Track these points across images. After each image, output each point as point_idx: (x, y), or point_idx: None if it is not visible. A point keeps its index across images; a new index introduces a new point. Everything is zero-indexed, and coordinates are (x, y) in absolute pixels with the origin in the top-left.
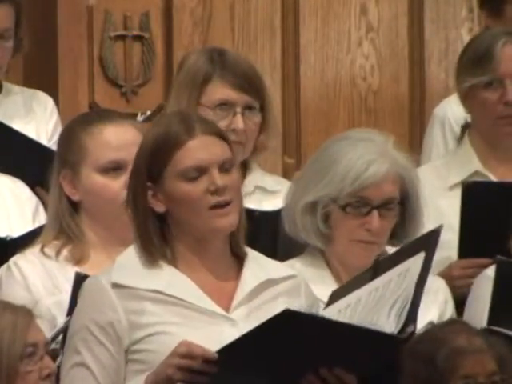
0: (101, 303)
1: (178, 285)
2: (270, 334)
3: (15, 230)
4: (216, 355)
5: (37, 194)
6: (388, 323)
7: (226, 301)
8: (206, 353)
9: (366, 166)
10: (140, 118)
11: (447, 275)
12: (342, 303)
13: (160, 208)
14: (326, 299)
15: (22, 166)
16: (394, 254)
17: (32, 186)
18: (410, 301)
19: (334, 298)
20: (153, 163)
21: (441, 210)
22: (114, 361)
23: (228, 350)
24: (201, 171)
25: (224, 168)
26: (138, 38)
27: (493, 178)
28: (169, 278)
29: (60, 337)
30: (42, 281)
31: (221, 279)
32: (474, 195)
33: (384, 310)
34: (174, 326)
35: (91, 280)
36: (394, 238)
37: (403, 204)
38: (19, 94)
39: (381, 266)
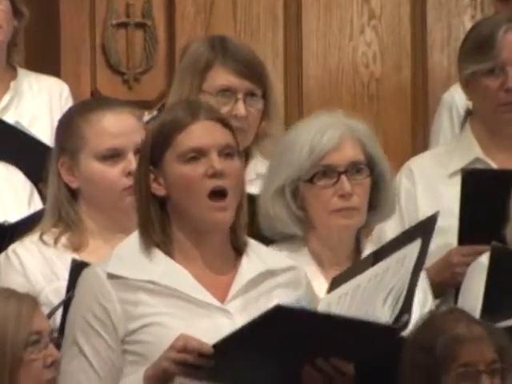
0: (97, 294)
1: (173, 276)
2: (263, 328)
3: (10, 216)
4: (211, 349)
5: (40, 191)
6: (383, 311)
7: (222, 292)
8: (202, 347)
9: (320, 136)
10: (146, 117)
11: (447, 262)
12: (341, 290)
13: (161, 192)
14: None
15: (24, 163)
16: (393, 241)
17: (34, 182)
18: (405, 289)
19: (335, 284)
20: (155, 146)
21: (441, 196)
22: (111, 351)
23: (223, 344)
24: (200, 154)
25: (224, 153)
26: (141, 25)
27: (493, 165)
28: (165, 269)
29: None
30: (40, 269)
31: (218, 271)
32: (474, 182)
33: (380, 298)
34: (168, 317)
35: (88, 270)
36: (372, 208)
37: (371, 169)
38: (34, 80)
39: (380, 252)
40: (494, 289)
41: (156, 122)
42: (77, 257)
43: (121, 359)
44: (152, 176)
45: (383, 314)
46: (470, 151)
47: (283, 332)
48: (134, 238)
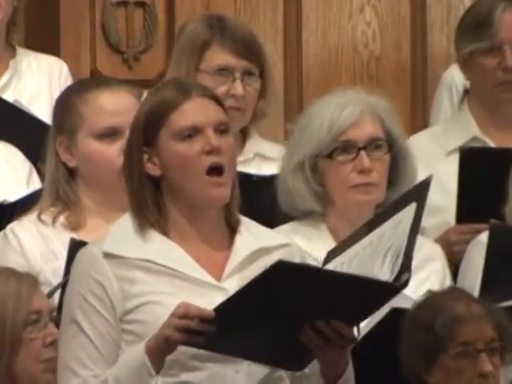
0: (94, 272)
1: (169, 254)
2: (264, 287)
3: (9, 195)
4: (213, 314)
5: (39, 170)
6: (382, 272)
7: (218, 270)
8: (203, 312)
9: (339, 111)
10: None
11: (445, 240)
12: (338, 260)
13: (156, 172)
14: (323, 257)
15: (23, 142)
16: (386, 208)
17: (34, 161)
18: (403, 250)
19: (331, 256)
20: (148, 126)
21: (439, 175)
22: (111, 328)
23: (224, 308)
24: (196, 131)
25: (219, 130)
26: (140, 4)
27: (491, 143)
28: (160, 248)
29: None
30: (38, 248)
31: (213, 249)
32: (472, 161)
33: (378, 260)
34: (164, 296)
35: (83, 250)
36: (392, 185)
37: (390, 146)
38: (33, 58)
39: (374, 221)
40: (492, 266)
41: (146, 103)
42: (75, 236)
43: (120, 336)
44: (146, 156)
45: (382, 274)
46: (467, 130)
47: (284, 290)
48: (129, 217)
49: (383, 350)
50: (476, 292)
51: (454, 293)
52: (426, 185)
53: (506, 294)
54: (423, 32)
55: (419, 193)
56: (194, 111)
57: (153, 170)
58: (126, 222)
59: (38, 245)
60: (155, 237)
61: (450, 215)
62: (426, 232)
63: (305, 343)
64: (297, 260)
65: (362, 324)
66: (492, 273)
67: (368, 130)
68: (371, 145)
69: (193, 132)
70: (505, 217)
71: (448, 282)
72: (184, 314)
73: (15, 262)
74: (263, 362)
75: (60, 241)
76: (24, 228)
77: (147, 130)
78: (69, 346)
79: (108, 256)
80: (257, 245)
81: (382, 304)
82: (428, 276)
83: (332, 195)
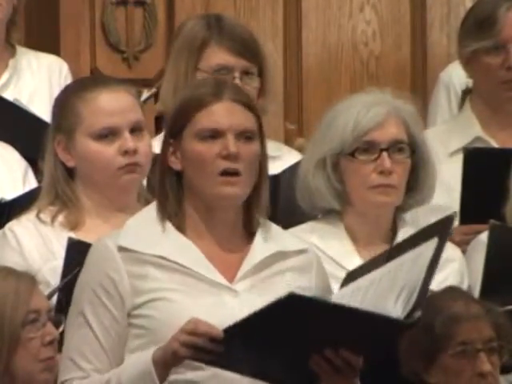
0: (106, 266)
1: (183, 252)
2: (275, 315)
3: (6, 193)
4: (222, 334)
5: (39, 168)
6: (395, 308)
7: (231, 272)
8: (212, 331)
9: (365, 112)
10: (145, 95)
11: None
12: (355, 284)
13: (176, 166)
14: (338, 257)
15: (23, 140)
16: (409, 238)
17: (34, 159)
18: (419, 286)
19: (350, 278)
20: (176, 120)
21: (442, 175)
22: (117, 324)
23: (233, 329)
24: (217, 134)
25: (243, 137)
26: (140, 3)
27: (494, 143)
28: (175, 245)
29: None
30: (37, 247)
31: (229, 250)
32: (475, 161)
33: (393, 294)
34: (175, 293)
35: (98, 242)
36: (410, 190)
37: (412, 151)
38: (33, 57)
39: (395, 250)
40: (492, 267)
41: (180, 96)
42: (73, 235)
43: (126, 333)
44: (171, 149)
45: (395, 310)
46: (470, 130)
47: (294, 320)
48: (148, 211)
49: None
50: (477, 292)
51: (453, 292)
52: (449, 221)
53: (506, 297)
54: (423, 31)
55: (442, 228)
56: (220, 114)
57: (174, 163)
58: (144, 215)
59: (36, 244)
60: (171, 232)
61: None
62: None
63: (313, 369)
64: (314, 269)
65: None
66: (492, 273)
67: (392, 132)
68: (394, 147)
69: (214, 134)
70: (505, 217)
71: (466, 284)
72: (193, 330)
73: (14, 261)
74: (270, 383)
75: (59, 240)
76: (23, 227)
77: (175, 124)
78: (73, 338)
79: (122, 250)
80: (274, 248)
81: (392, 340)
82: (446, 277)
83: (351, 194)
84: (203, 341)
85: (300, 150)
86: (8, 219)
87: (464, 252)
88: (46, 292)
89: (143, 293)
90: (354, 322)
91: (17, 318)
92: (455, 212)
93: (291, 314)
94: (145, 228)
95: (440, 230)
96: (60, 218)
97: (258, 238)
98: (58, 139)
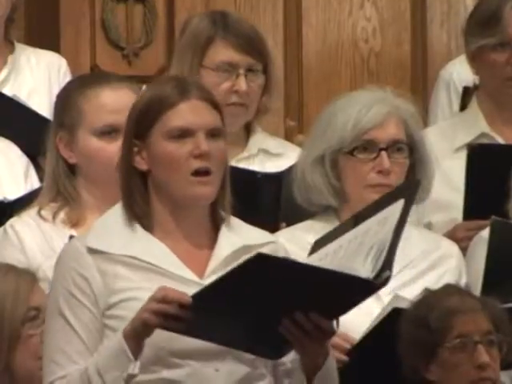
0: (78, 266)
1: (152, 251)
2: (243, 278)
3: (7, 190)
4: (191, 300)
5: (39, 165)
6: (364, 268)
7: (200, 268)
8: (181, 297)
9: (366, 110)
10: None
11: (452, 237)
12: (323, 251)
13: (142, 166)
14: None
15: (23, 136)
16: (375, 203)
17: (34, 155)
18: (387, 247)
19: (317, 247)
20: (142, 120)
21: (446, 171)
22: (96, 321)
23: (202, 295)
24: (187, 133)
25: (211, 135)
26: (140, 0)
27: (499, 139)
28: (144, 244)
29: None
30: (38, 244)
31: (197, 246)
32: (480, 157)
33: (361, 256)
34: (146, 292)
35: (67, 245)
36: None
37: (411, 150)
38: (32, 54)
39: (361, 215)
40: (493, 263)
41: (144, 97)
42: (74, 233)
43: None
44: (135, 149)
45: (364, 270)
46: (475, 126)
47: (263, 282)
48: (114, 211)
49: (383, 351)
50: (478, 288)
51: (449, 289)
52: (415, 185)
53: (507, 293)
54: (423, 28)
55: (408, 191)
56: (188, 113)
57: (140, 163)
58: (113, 215)
59: (37, 241)
60: (140, 232)
61: (457, 212)
62: (434, 228)
63: (283, 334)
64: (280, 255)
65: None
66: (493, 269)
67: (391, 131)
68: (393, 147)
69: (184, 133)
70: (509, 214)
71: (464, 280)
72: (162, 298)
73: (15, 258)
74: (240, 349)
75: (60, 237)
76: (24, 224)
77: (140, 124)
78: (55, 339)
79: (91, 251)
80: (240, 243)
81: (360, 300)
82: (444, 273)
83: (348, 192)
84: (173, 308)
85: (300, 146)
86: (10, 219)
87: (466, 248)
88: (47, 289)
89: (115, 292)
90: (323, 282)
91: (17, 315)
92: (419, 180)
93: (260, 275)
94: (114, 226)
95: (406, 193)
96: (61, 214)
97: (224, 233)
98: (60, 136)
